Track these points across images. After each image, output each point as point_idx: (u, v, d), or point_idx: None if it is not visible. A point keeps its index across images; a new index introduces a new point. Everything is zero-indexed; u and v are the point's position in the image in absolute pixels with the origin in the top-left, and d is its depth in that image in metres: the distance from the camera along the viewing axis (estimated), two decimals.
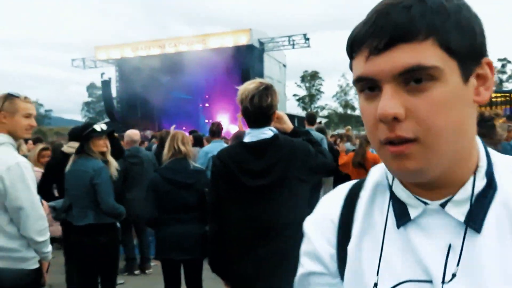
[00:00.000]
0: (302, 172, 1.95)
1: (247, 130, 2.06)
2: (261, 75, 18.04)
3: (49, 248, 2.34)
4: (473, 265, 0.56)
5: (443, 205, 0.60)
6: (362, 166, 5.31)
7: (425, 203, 0.61)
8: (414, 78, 0.54)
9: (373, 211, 0.68)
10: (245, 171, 1.94)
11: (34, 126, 2.35)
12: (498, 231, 0.57)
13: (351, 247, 0.67)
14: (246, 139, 2.02)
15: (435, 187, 0.60)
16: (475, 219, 0.58)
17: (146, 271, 5.12)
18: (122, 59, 20.21)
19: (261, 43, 18.97)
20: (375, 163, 4.85)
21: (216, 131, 5.28)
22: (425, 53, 0.53)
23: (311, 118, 6.45)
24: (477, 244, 0.57)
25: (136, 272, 5.08)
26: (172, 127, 5.36)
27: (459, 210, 0.59)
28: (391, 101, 0.54)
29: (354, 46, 0.59)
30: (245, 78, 16.76)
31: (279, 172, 1.91)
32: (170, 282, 3.35)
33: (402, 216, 0.63)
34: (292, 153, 1.94)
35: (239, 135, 4.14)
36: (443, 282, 0.57)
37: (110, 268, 3.38)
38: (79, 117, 58.46)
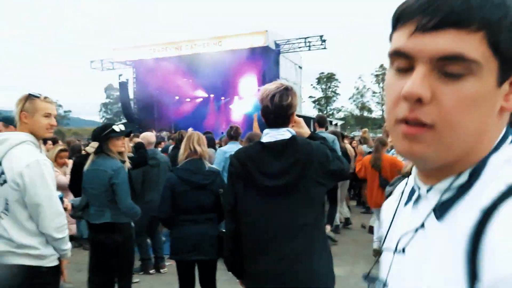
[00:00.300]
0: (319, 175, 1.94)
1: (265, 130, 2.06)
2: (276, 76, 18.06)
3: (68, 245, 2.35)
4: (423, 247, 0.60)
5: (428, 191, 0.64)
6: (377, 169, 5.27)
7: (419, 188, 0.66)
8: (451, 66, 0.52)
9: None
10: (263, 171, 1.94)
11: (54, 125, 2.38)
12: (454, 225, 0.57)
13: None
14: (264, 139, 2.01)
15: (431, 175, 0.62)
16: (441, 209, 0.60)
17: (161, 271, 5.14)
18: (139, 61, 20.45)
19: (277, 45, 18.95)
20: (390, 166, 4.79)
21: (234, 135, 5.27)
22: (472, 45, 0.51)
23: (321, 120, 6.51)
24: (434, 230, 0.60)
25: (151, 271, 5.12)
26: (190, 130, 5.40)
27: (435, 197, 0.61)
28: (420, 82, 0.53)
29: (401, 17, 0.56)
30: (261, 79, 16.87)
31: (296, 173, 1.90)
32: (185, 282, 3.36)
33: (408, 197, 0.70)
34: (309, 155, 1.94)
35: (251, 137, 4.14)
36: (394, 252, 0.66)
37: (125, 266, 3.42)
38: (97, 118, 59.42)
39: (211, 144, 6.18)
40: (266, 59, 18.13)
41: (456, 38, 0.51)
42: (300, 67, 23.45)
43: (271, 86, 2.03)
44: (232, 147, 4.74)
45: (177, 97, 19.30)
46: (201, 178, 3.23)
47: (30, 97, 2.31)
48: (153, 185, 4.79)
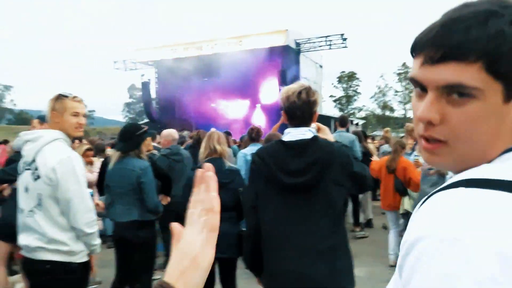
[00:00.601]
0: (340, 176, 1.94)
1: (287, 130, 2.07)
2: (297, 76, 18.01)
3: (98, 240, 2.40)
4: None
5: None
6: (392, 172, 5.20)
7: None
8: (456, 92, 0.60)
9: None
10: (283, 169, 1.95)
11: (82, 124, 2.43)
12: None
13: None
14: (286, 138, 2.03)
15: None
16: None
17: None
18: (160, 61, 20.72)
19: (298, 44, 18.88)
20: (403, 170, 4.76)
21: (255, 137, 5.27)
22: (470, 75, 0.58)
23: (343, 120, 6.57)
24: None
25: None
26: (212, 129, 5.44)
27: None
28: (429, 107, 0.62)
29: (415, 48, 0.65)
30: (281, 79, 16.85)
31: (316, 172, 1.91)
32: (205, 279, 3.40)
33: None
34: (331, 155, 1.94)
35: (270, 138, 4.15)
36: None
37: (149, 262, 3.49)
38: (120, 117, 60.47)
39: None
40: (286, 58, 18.09)
41: (457, 69, 0.59)
42: (321, 66, 23.31)
43: (294, 85, 2.07)
44: (253, 150, 4.75)
45: (197, 97, 19.44)
46: (221, 177, 3.24)
47: (59, 96, 2.38)
48: (177, 180, 4.85)
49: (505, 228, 0.48)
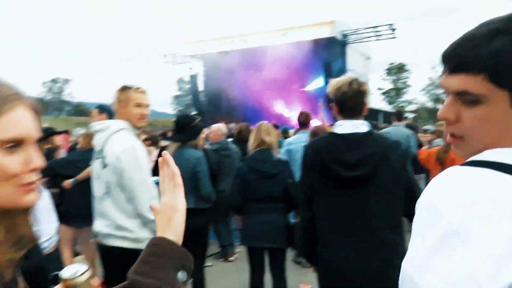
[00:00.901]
0: (395, 170, 1.93)
1: (339, 122, 2.04)
2: (343, 68, 17.67)
3: None
4: None
5: None
6: (441, 162, 5.05)
7: None
8: (464, 97, 0.73)
9: None
10: (339, 162, 1.93)
11: (145, 115, 2.47)
12: None
13: None
14: (339, 131, 2.01)
15: None
16: None
17: (232, 257, 5.32)
18: (207, 54, 21.05)
19: (344, 35, 18.49)
20: (453, 161, 4.59)
21: (304, 122, 5.19)
22: (474, 84, 0.71)
23: (399, 114, 6.60)
24: None
25: (223, 258, 5.33)
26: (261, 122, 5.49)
27: None
28: (446, 108, 0.77)
29: (441, 60, 0.79)
30: (327, 72, 16.59)
31: (373, 165, 1.89)
32: (255, 269, 3.47)
33: None
34: (386, 149, 1.93)
35: (317, 131, 4.11)
36: None
37: (201, 250, 3.61)
38: (170, 110, 62.17)
39: None
40: (332, 50, 17.77)
41: (464, 79, 0.72)
42: (368, 58, 22.71)
43: (344, 77, 2.06)
44: (300, 138, 4.74)
45: (243, 90, 19.60)
46: (270, 168, 3.32)
47: (124, 88, 2.45)
48: (226, 174, 4.94)
49: (466, 195, 0.63)
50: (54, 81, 58.40)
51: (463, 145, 0.77)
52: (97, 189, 2.46)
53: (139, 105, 2.44)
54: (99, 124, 2.48)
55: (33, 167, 0.72)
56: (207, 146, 5.01)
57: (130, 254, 2.36)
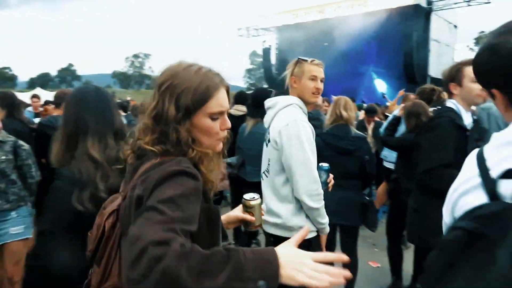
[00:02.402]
0: None
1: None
2: (426, 38, 16.43)
3: (325, 219, 2.17)
4: None
5: None
6: None
7: None
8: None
9: None
10: None
11: (320, 89, 2.27)
12: None
13: None
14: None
15: None
16: None
17: None
18: (282, 27, 20.78)
19: (429, 2, 17.13)
20: None
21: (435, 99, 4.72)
22: (487, 88, 0.96)
23: None
24: None
25: None
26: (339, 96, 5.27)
27: None
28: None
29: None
30: (407, 42, 15.54)
31: None
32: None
33: None
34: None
35: (415, 110, 3.60)
36: None
37: None
38: (241, 83, 63.09)
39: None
40: (415, 18, 16.56)
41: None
42: (455, 26, 20.86)
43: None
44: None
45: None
46: (347, 144, 3.19)
47: (298, 60, 2.31)
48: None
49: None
50: (135, 56, 61.82)
51: None
52: (263, 165, 2.35)
53: (314, 78, 2.25)
54: (270, 101, 2.38)
55: (225, 128, 1.12)
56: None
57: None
